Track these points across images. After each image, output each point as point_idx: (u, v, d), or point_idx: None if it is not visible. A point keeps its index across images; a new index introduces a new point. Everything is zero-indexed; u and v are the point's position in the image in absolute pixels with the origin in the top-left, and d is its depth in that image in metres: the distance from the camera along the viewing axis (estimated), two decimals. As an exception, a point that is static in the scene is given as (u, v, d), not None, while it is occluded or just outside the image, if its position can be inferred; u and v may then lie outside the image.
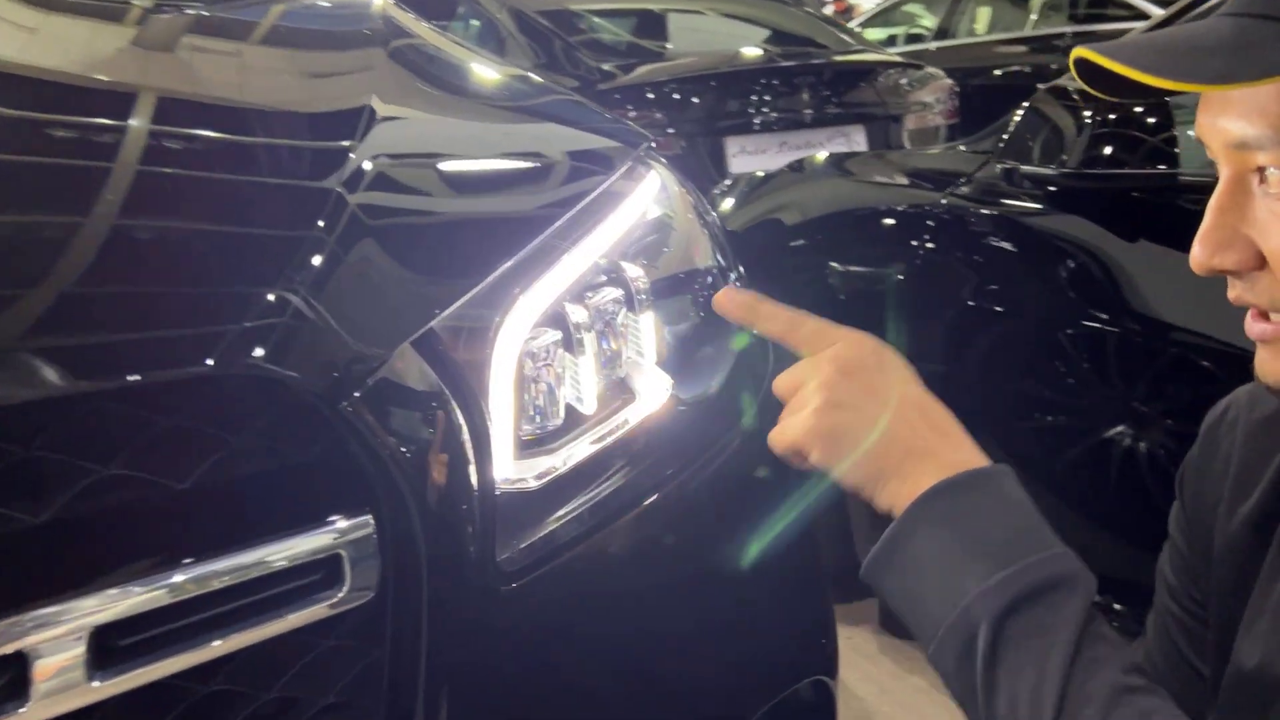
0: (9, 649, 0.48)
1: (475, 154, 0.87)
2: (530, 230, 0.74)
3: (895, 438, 0.59)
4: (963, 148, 2.00)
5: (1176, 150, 1.34)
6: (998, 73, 6.24)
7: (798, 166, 2.52)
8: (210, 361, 0.54)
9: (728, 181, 2.77)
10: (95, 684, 0.51)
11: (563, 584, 0.68)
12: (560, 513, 0.70)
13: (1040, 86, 1.64)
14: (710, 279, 0.94)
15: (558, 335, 0.72)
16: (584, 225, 0.78)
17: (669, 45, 4.73)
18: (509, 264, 0.70)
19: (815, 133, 3.87)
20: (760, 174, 2.63)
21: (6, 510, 0.49)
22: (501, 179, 0.85)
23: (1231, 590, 0.67)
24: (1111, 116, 1.36)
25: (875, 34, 8.13)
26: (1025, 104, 1.57)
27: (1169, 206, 1.39)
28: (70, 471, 0.50)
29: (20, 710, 0.48)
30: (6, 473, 0.50)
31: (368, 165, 0.71)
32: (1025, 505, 0.58)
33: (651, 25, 4.95)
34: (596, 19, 4.80)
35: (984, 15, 7.17)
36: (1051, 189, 1.50)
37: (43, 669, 0.49)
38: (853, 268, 1.98)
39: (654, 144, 0.98)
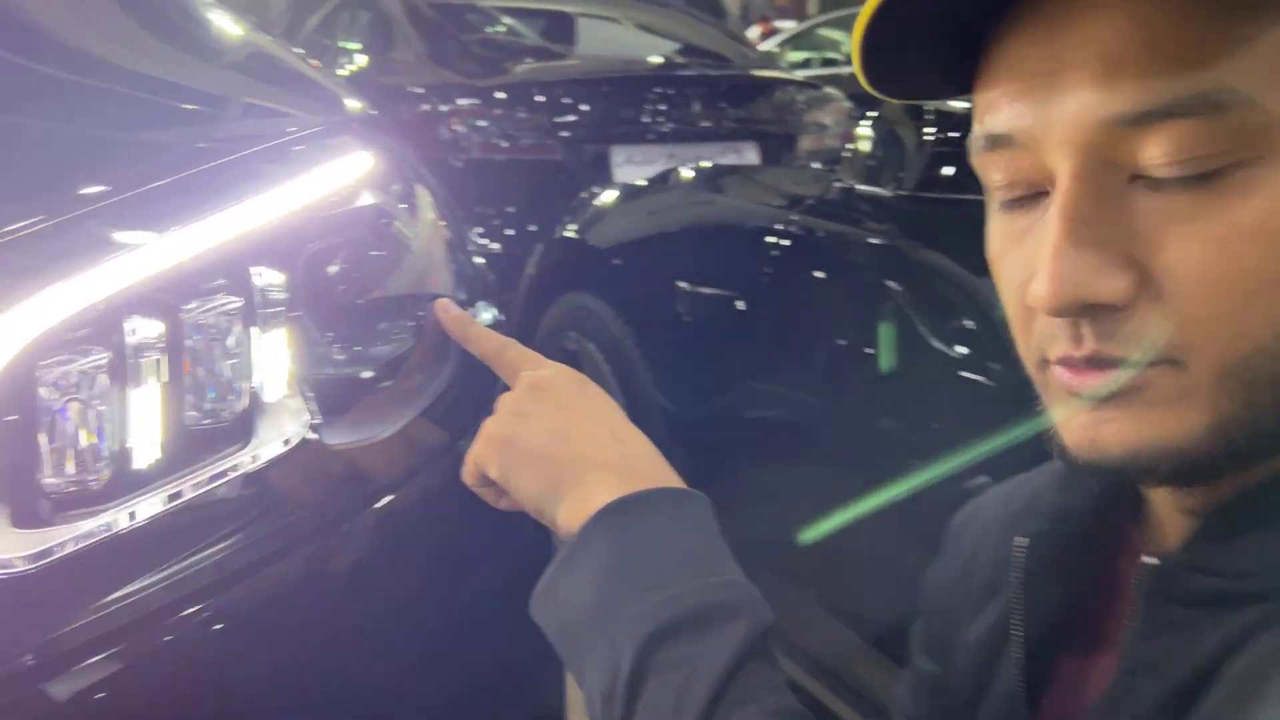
0: None
1: (71, 81, 0.65)
2: (93, 195, 0.53)
3: (578, 448, 0.54)
4: (817, 166, 1.88)
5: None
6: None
7: (664, 179, 2.38)
8: None
9: (593, 190, 2.61)
10: None
11: (86, 700, 0.49)
12: (95, 601, 0.51)
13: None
14: (425, 298, 0.75)
15: (105, 358, 0.52)
16: (198, 202, 0.58)
17: (575, 49, 4.58)
18: (14, 234, 0.49)
19: (707, 146, 3.74)
20: (636, 184, 2.48)
21: None
22: (88, 119, 0.62)
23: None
24: (954, 135, 1.23)
25: (792, 56, 8.12)
26: (870, 115, 1.44)
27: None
28: None
29: None
30: None
31: None
32: (707, 531, 0.52)
33: (560, 28, 4.79)
34: (504, 17, 4.63)
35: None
36: (888, 210, 1.37)
37: None
38: (700, 288, 1.83)
39: (373, 114, 0.80)
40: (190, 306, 0.56)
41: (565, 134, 3.54)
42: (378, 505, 0.65)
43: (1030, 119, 0.40)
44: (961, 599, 0.56)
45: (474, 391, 0.79)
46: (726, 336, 1.77)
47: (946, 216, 1.26)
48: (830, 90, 4.25)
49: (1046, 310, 0.40)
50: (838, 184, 1.46)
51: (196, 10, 0.91)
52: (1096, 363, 0.40)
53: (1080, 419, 0.41)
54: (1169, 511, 0.46)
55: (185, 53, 0.80)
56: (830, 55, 7.86)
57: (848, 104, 4.27)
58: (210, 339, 0.57)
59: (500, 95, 3.57)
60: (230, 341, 0.58)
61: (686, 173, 2.38)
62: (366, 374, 0.70)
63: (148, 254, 0.55)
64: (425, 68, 3.86)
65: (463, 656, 0.72)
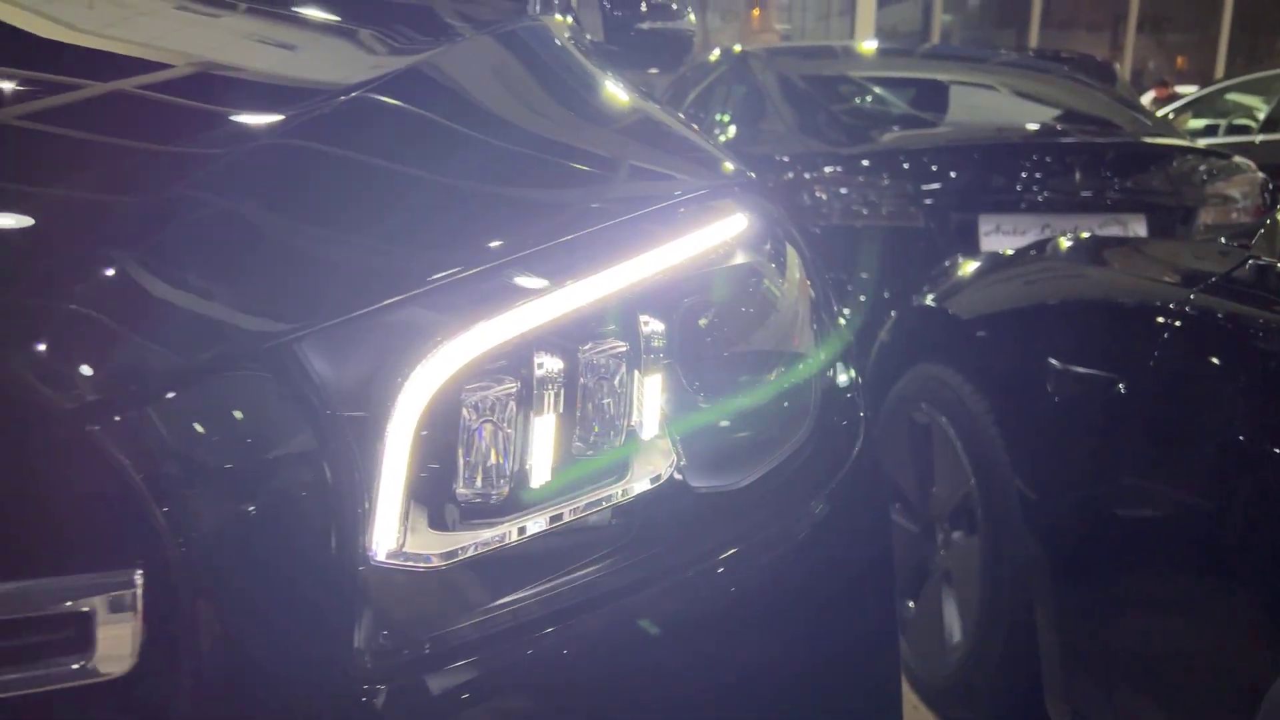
0: None
1: (487, 141, 0.73)
2: (511, 244, 0.61)
3: None
4: (1222, 240, 1.68)
5: None
6: (1336, 171, 5.43)
7: (1040, 248, 2.25)
8: None
9: (955, 258, 2.51)
10: None
11: (455, 700, 0.54)
12: (483, 605, 0.57)
13: None
14: (797, 365, 0.77)
15: (514, 387, 0.59)
16: (598, 255, 0.64)
17: (943, 117, 4.48)
18: (455, 278, 0.57)
19: (1087, 218, 3.48)
20: (1004, 253, 2.37)
21: None
22: (504, 174, 0.69)
23: None
24: None
25: (1194, 123, 7.38)
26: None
27: None
28: None
29: None
30: None
31: (317, 122, 0.61)
32: None
33: (929, 96, 4.73)
34: (874, 87, 4.66)
35: (1328, 106, 6.32)
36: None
37: None
38: (1073, 366, 1.70)
39: (751, 177, 0.84)
40: (586, 347, 0.62)
41: (929, 201, 3.46)
42: (727, 554, 0.67)
43: None
44: None
45: (829, 451, 0.79)
46: (1102, 422, 1.62)
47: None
48: (1239, 160, 3.79)
49: None
50: (1252, 261, 1.30)
51: (595, 79, 1.01)
52: None
53: None
54: None
55: (586, 118, 0.89)
56: (1241, 121, 7.03)
57: (1260, 175, 3.79)
58: (599, 378, 0.62)
59: (865, 163, 3.57)
60: (615, 381, 0.63)
61: (1065, 242, 2.23)
62: (726, 423, 0.73)
63: (554, 300, 0.62)
64: (794, 137, 3.97)
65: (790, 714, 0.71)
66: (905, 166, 3.55)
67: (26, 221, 0.50)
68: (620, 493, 0.62)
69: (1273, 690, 1.19)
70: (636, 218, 0.68)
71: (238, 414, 0.51)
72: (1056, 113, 4.43)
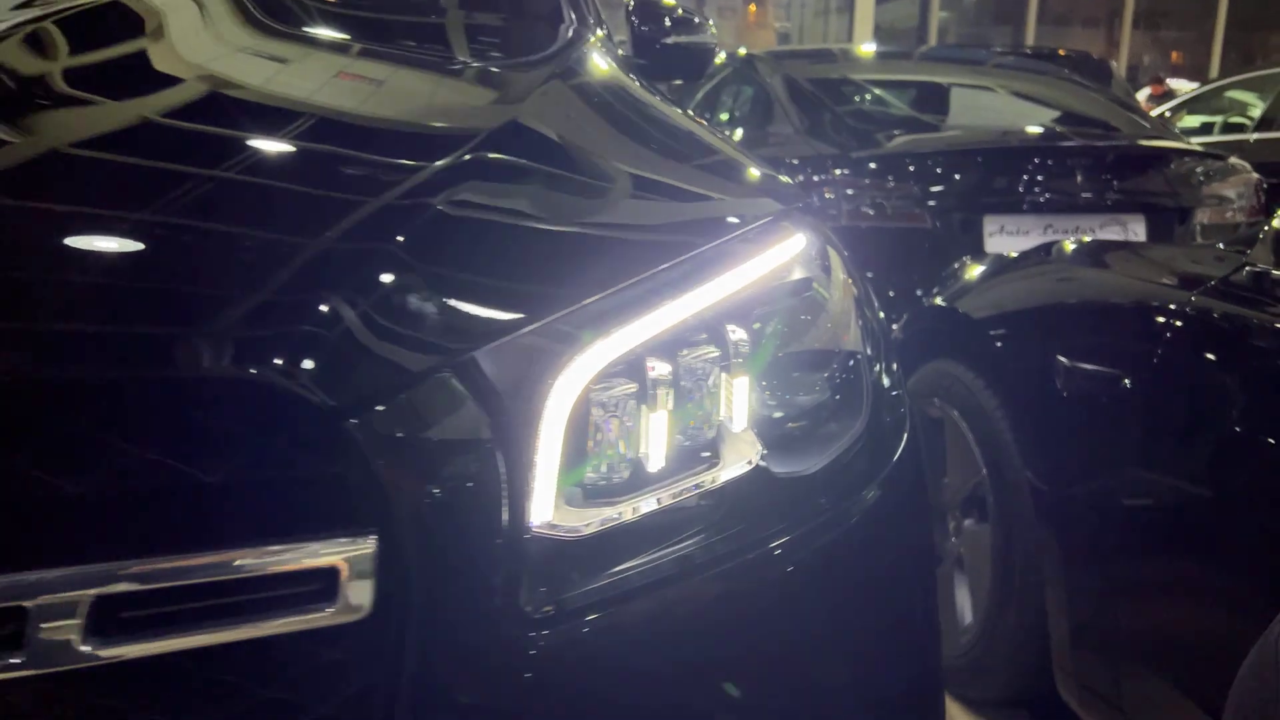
0: (12, 603, 0.53)
1: (586, 188, 0.85)
2: (624, 273, 0.73)
3: None
4: (1220, 246, 1.80)
5: None
6: (1328, 170, 5.54)
7: (1046, 251, 2.36)
8: (231, 363, 0.57)
9: (964, 259, 2.63)
10: (87, 649, 0.55)
11: (599, 645, 0.66)
12: (612, 570, 0.68)
13: None
14: (842, 358, 0.89)
15: (633, 387, 0.70)
16: (690, 277, 0.76)
17: (946, 119, 4.60)
18: (588, 303, 0.70)
19: (1088, 218, 3.60)
20: (1012, 255, 2.49)
21: (36, 477, 0.55)
22: (609, 213, 0.82)
23: None
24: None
25: (1189, 120, 7.49)
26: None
27: None
28: (96, 450, 0.55)
29: (14, 660, 0.53)
30: (42, 446, 0.55)
31: (455, 178, 0.72)
32: None
33: (932, 98, 4.83)
34: (876, 89, 4.76)
35: (1322, 106, 6.42)
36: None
37: (44, 628, 0.54)
38: (1080, 364, 1.82)
39: (801, 203, 0.95)
40: (685, 353, 0.74)
41: (934, 203, 3.57)
42: (799, 531, 0.78)
43: None
44: None
45: (881, 442, 0.90)
46: (1107, 417, 1.73)
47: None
48: (1234, 161, 3.91)
49: None
50: (1250, 268, 1.41)
51: (661, 111, 1.12)
52: None
53: None
54: None
55: (666, 151, 1.01)
56: (1237, 120, 7.13)
57: (1254, 176, 3.91)
58: (697, 379, 0.73)
59: (872, 165, 3.68)
60: (710, 382, 0.74)
61: (1069, 245, 2.34)
62: (796, 417, 0.84)
63: (660, 315, 0.73)
64: (801, 140, 4.07)
65: (840, 688, 0.82)
66: (911, 169, 3.66)
67: (291, 242, 0.64)
68: (715, 478, 0.73)
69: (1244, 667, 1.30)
70: (721, 244, 0.79)
71: (441, 412, 0.62)
72: (1056, 115, 4.54)
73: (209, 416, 0.58)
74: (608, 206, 0.81)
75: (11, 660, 0.53)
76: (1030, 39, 17.97)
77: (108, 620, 0.56)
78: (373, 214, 0.69)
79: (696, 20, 2.43)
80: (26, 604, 0.54)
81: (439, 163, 0.75)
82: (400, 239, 0.67)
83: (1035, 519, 1.88)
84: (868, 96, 4.66)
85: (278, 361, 0.59)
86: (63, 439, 0.56)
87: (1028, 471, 1.88)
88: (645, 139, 1.04)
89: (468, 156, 0.77)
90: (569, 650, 0.64)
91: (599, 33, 1.57)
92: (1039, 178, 3.64)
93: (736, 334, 0.77)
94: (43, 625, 0.54)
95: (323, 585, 0.60)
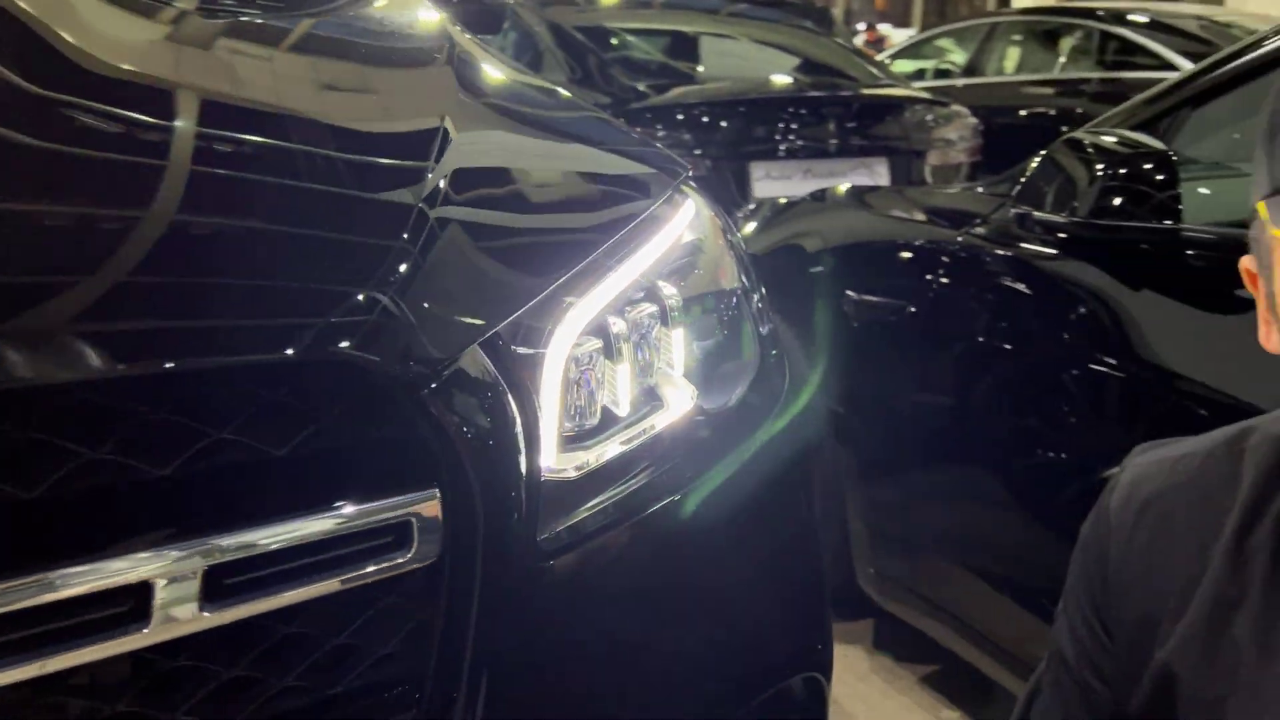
0: (136, 578, 0.57)
1: (538, 179, 0.96)
2: (583, 249, 0.84)
3: None
4: (980, 189, 2.08)
5: (1180, 206, 1.42)
6: (1023, 113, 6.32)
7: (819, 196, 2.61)
8: (310, 348, 0.63)
9: (751, 205, 2.85)
10: (206, 614, 0.61)
11: (588, 567, 0.77)
12: (592, 503, 0.78)
13: (1064, 130, 1.72)
14: (735, 300, 1.02)
15: (599, 344, 0.80)
16: (628, 246, 0.86)
17: (699, 68, 4.84)
18: (564, 278, 0.80)
19: (839, 162, 3.96)
20: (783, 200, 2.72)
21: (137, 464, 0.59)
22: (560, 202, 0.94)
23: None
24: (1122, 171, 1.44)
25: (904, 66, 8.22)
26: (1042, 152, 1.65)
27: (1173, 258, 1.47)
28: (193, 435, 0.59)
29: (143, 630, 0.57)
30: (146, 437, 0.60)
31: (444, 184, 0.80)
32: None
33: (683, 47, 5.06)
34: (630, 38, 4.90)
35: (1013, 55, 7.25)
36: (1061, 236, 1.58)
37: (163, 598, 0.58)
38: (867, 297, 2.06)
39: (690, 173, 1.07)
40: (629, 310, 0.84)
41: (702, 151, 3.80)
42: (730, 455, 0.91)
43: None
44: (1160, 596, 0.63)
45: (771, 377, 1.04)
46: (891, 343, 1.98)
47: (1113, 243, 1.47)
48: (956, 107, 4.42)
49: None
50: (1014, 209, 1.68)
51: (557, 98, 1.20)
52: None
53: None
54: None
55: (578, 139, 1.10)
56: (945, 66, 7.90)
57: (973, 120, 4.44)
58: (642, 333, 0.84)
59: (648, 116, 3.85)
60: (653, 334, 0.85)
61: (842, 189, 2.60)
62: (709, 360, 0.97)
63: (612, 281, 0.83)
64: (575, 91, 4.17)
65: (770, 572, 0.97)
66: (681, 119, 3.87)
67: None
68: (667, 418, 0.85)
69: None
70: (643, 218, 0.90)
71: (476, 381, 0.71)
72: (802, 64, 4.90)
73: (287, 398, 0.63)
74: (554, 196, 0.94)
75: (140, 629, 0.57)
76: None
77: (219, 587, 0.61)
78: (388, 217, 0.75)
79: (488, -28, 2.45)
80: (147, 578, 0.57)
81: (431, 174, 0.82)
82: (421, 245, 0.74)
83: (835, 441, 2.12)
84: (628, 45, 4.79)
85: (352, 348, 0.65)
86: (181, 428, 0.61)
87: (830, 400, 2.11)
88: (552, 125, 1.13)
89: (447, 169, 0.84)
90: (570, 569, 0.76)
91: None
92: (794, 126, 3.95)
93: (666, 290, 0.88)
94: (162, 597, 0.57)
95: (396, 538, 0.67)
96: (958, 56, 7.85)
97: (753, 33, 5.25)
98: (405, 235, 0.74)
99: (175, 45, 0.99)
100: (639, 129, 3.81)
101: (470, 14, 2.39)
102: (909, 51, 8.37)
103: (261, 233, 0.71)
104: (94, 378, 0.58)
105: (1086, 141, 1.54)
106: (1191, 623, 0.63)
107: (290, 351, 0.62)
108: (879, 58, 8.45)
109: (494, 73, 1.18)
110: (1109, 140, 1.51)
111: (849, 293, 2.10)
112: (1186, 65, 5.67)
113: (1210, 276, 1.42)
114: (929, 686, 2.10)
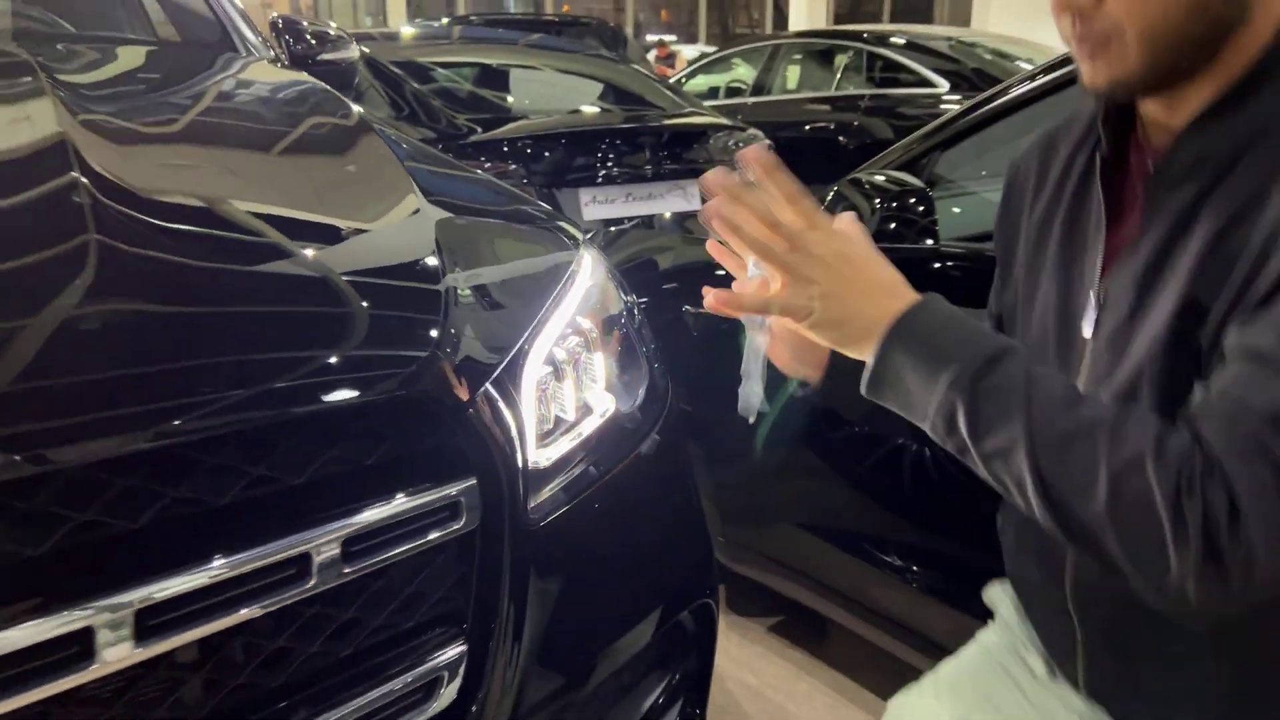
0: (296, 552, 0.85)
1: (499, 252, 1.29)
2: (540, 303, 1.16)
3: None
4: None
5: (937, 229, 1.86)
6: (807, 128, 6.91)
7: (648, 223, 2.97)
8: (385, 389, 0.93)
9: (587, 234, 3.18)
10: (346, 570, 0.89)
11: (558, 529, 1.09)
12: (554, 484, 1.10)
13: (842, 140, 2.14)
14: (622, 322, 1.35)
15: (551, 369, 1.12)
16: (564, 297, 1.19)
17: (510, 99, 5.11)
18: (534, 324, 1.11)
19: (656, 185, 4.35)
20: (613, 230, 3.06)
21: (277, 476, 0.87)
22: (518, 268, 1.27)
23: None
24: (893, 204, 1.87)
25: (698, 83, 8.70)
26: (833, 188, 2.07)
27: (938, 272, 1.91)
28: (314, 454, 0.88)
29: (307, 583, 0.86)
30: (284, 459, 0.87)
31: (451, 263, 1.11)
32: (958, 314, 0.78)
33: (493, 80, 5.29)
34: (443, 72, 5.10)
35: (795, 74, 7.86)
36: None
37: (322, 560, 0.86)
38: (701, 310, 2.43)
39: (588, 234, 1.39)
40: (565, 343, 1.16)
41: (531, 180, 4.10)
42: (643, 441, 1.25)
43: None
44: (1026, 208, 0.94)
45: (658, 386, 1.38)
46: (726, 349, 2.35)
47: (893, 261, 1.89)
48: (753, 130, 4.91)
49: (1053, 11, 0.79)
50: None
51: (481, 183, 1.50)
52: (1081, 38, 0.77)
53: (1083, 68, 0.78)
54: (1161, 136, 0.80)
55: (505, 218, 1.41)
56: (736, 85, 8.40)
57: (767, 142, 4.94)
58: (576, 358, 1.16)
59: (472, 151, 4.11)
60: (583, 358, 1.17)
61: (668, 215, 2.96)
62: (617, 376, 1.30)
63: (554, 323, 1.15)
64: (403, 128, 4.37)
65: (676, 534, 1.32)
66: (507, 150, 4.15)
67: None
68: (598, 420, 1.17)
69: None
70: (567, 279, 1.22)
71: (493, 399, 1.01)
72: (608, 93, 5.25)
73: (380, 424, 0.92)
74: (512, 264, 1.28)
75: (302, 585, 0.85)
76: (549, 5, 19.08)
77: (348, 554, 0.90)
78: (421, 297, 1.06)
79: (339, 37, 2.68)
80: (314, 549, 0.85)
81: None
82: (444, 313, 1.04)
83: (688, 435, 2.47)
84: (440, 79, 4.98)
85: (413, 388, 0.94)
86: (310, 449, 0.87)
87: (678, 398, 2.46)
88: (486, 207, 1.43)
89: (445, 250, 1.14)
90: (549, 530, 1.07)
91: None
92: (612, 155, 4.31)
93: (585, 324, 1.21)
94: (323, 558, 0.85)
95: (451, 511, 0.97)
96: (746, 74, 8.37)
97: (557, 64, 5.55)
98: (439, 308, 1.03)
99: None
100: (468, 162, 4.06)
101: (327, 73, 2.61)
102: (702, 69, 8.85)
103: (335, 314, 1.00)
104: (248, 425, 0.85)
105: (864, 180, 1.96)
106: (1027, 231, 0.96)
107: (374, 392, 0.92)
108: (675, 75, 8.93)
109: (431, 162, 1.48)
110: (880, 179, 1.94)
111: (687, 307, 2.47)
112: (940, 80, 6.43)
113: (965, 281, 1.86)
114: (776, 633, 2.48)
